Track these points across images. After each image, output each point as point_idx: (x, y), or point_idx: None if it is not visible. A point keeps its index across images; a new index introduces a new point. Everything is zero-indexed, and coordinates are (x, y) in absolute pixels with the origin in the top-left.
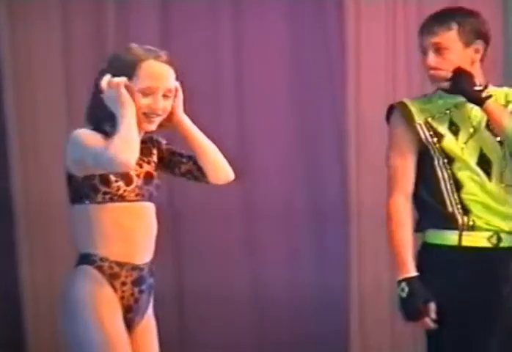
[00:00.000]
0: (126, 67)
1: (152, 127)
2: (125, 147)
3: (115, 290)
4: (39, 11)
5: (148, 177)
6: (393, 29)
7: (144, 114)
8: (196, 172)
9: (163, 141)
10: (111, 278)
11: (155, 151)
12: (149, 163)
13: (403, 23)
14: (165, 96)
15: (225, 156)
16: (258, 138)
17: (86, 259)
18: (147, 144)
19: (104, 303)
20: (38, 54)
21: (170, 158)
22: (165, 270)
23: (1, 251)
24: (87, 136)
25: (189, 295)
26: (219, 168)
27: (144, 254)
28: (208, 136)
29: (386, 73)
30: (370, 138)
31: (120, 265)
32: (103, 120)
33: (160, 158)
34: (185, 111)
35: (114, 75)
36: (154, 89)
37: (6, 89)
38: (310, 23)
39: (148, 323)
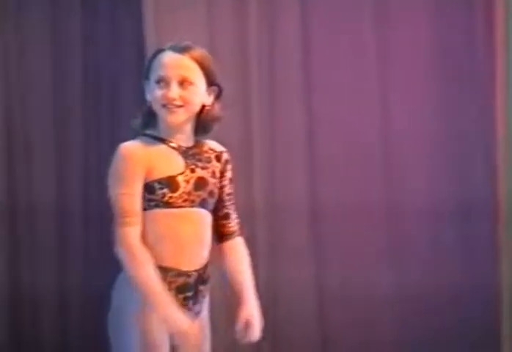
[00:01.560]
0: (147, 63)
1: (175, 118)
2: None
3: None
4: (185, 16)
5: (200, 183)
6: None
7: (164, 106)
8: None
9: (228, 175)
10: None
11: (217, 164)
12: (204, 168)
13: None
14: (182, 85)
15: (367, 153)
16: (403, 136)
17: None
18: (208, 152)
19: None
20: None
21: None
22: (305, 269)
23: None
24: (126, 169)
25: (330, 293)
26: None
27: (191, 260)
28: (352, 135)
29: None
30: None
31: (165, 270)
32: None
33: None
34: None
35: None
36: (165, 78)
37: None
38: (457, 26)
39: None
